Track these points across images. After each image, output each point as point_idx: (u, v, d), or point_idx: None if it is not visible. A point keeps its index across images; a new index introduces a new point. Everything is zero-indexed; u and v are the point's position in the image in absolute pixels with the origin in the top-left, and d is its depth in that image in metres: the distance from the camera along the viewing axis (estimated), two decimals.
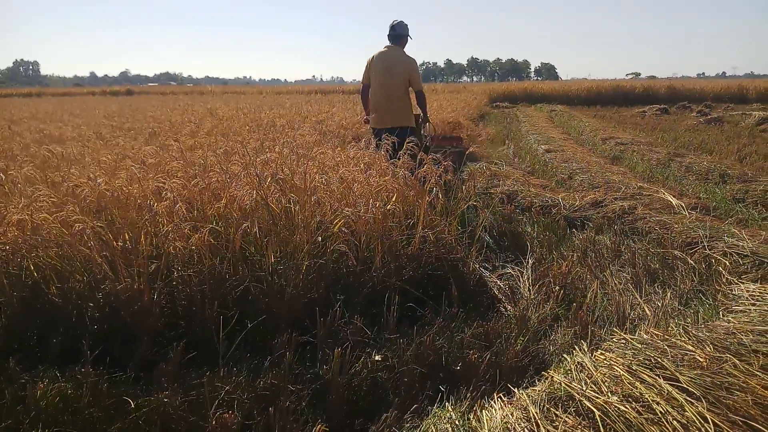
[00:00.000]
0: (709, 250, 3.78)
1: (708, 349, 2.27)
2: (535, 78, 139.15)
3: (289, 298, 2.79)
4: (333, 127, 7.55)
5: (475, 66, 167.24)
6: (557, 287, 3.45)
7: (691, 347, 2.21)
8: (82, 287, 2.69)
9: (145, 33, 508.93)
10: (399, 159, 3.71)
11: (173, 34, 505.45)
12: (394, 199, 3.17)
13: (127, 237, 2.82)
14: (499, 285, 3.66)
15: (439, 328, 2.81)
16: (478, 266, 3.79)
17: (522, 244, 4.36)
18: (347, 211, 2.89)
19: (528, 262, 3.84)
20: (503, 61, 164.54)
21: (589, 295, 3.33)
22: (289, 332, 2.59)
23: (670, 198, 5.12)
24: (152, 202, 2.79)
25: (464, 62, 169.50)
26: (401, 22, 5.34)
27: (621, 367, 2.07)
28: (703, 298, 3.30)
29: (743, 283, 3.25)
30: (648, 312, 3.20)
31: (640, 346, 2.24)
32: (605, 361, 2.14)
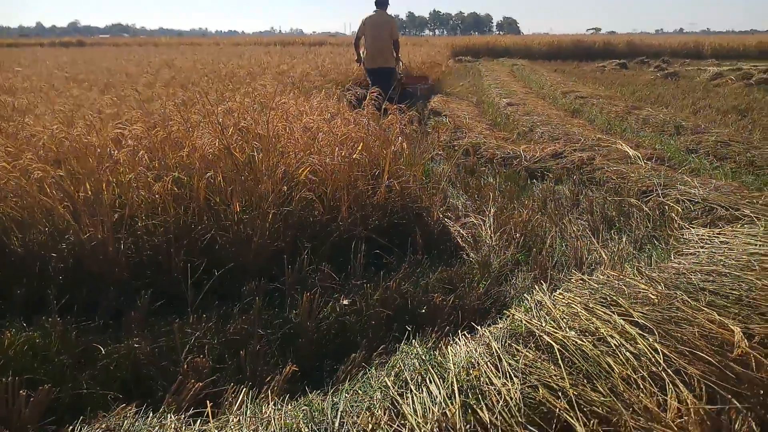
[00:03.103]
0: (663, 197, 3.93)
1: (660, 287, 2.40)
2: (498, 32, 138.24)
3: (256, 247, 2.80)
4: (296, 78, 7.42)
5: (438, 19, 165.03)
6: (518, 234, 3.55)
7: (644, 286, 2.33)
8: (45, 238, 2.65)
9: None
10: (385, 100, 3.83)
11: None
12: (360, 148, 3.17)
13: (88, 187, 2.77)
14: (462, 234, 3.74)
15: (405, 274, 2.88)
16: (441, 215, 3.86)
17: (484, 195, 4.44)
18: (313, 158, 2.88)
19: (490, 211, 3.92)
20: (465, 14, 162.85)
21: (548, 242, 3.44)
22: (257, 280, 2.62)
23: (627, 149, 5.25)
24: (113, 149, 2.74)
25: (426, 15, 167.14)
26: None
27: (579, 305, 2.18)
28: (657, 243, 3.44)
29: (694, 227, 3.41)
30: (605, 256, 3.33)
31: (596, 285, 2.35)
32: (564, 300, 2.24)
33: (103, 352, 2.09)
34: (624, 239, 3.54)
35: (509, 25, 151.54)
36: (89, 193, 2.73)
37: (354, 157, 3.08)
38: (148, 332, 2.29)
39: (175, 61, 11.49)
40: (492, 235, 3.61)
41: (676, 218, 3.55)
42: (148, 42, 38.11)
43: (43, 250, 2.62)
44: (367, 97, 3.94)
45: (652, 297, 2.22)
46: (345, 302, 2.49)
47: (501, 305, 2.83)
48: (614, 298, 2.21)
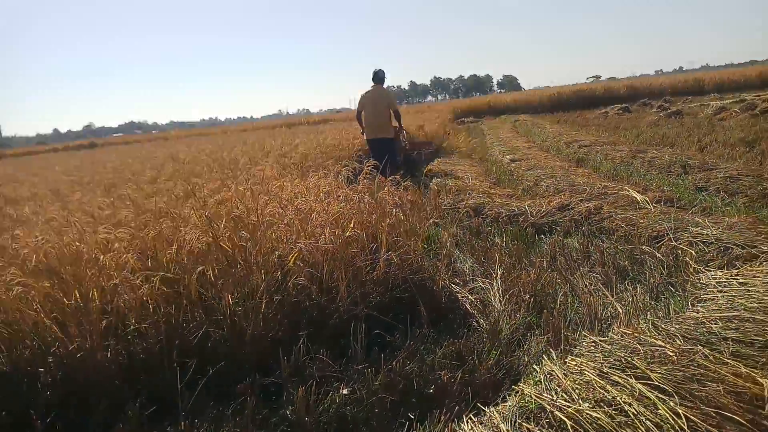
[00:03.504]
0: (675, 241, 3.77)
1: (678, 342, 2.23)
2: (499, 91, 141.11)
3: (251, 340, 2.69)
4: (296, 159, 7.49)
5: (439, 85, 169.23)
6: (527, 296, 3.40)
7: (661, 342, 2.17)
8: (32, 353, 2.57)
9: (106, 84, 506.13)
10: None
11: (135, 82, 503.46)
12: (351, 225, 3.10)
13: (77, 295, 2.70)
14: (471, 299, 3.60)
15: (409, 352, 2.73)
16: (447, 282, 3.73)
17: (491, 256, 4.31)
18: (301, 243, 2.81)
19: (497, 272, 3.79)
20: (465, 77, 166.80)
21: (559, 300, 3.28)
22: (252, 375, 2.49)
23: (634, 194, 5.14)
24: (98, 254, 2.69)
25: (428, 82, 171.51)
26: (381, 69, 8.16)
27: (592, 371, 2.02)
28: (673, 290, 3.28)
29: (710, 270, 3.24)
30: (620, 310, 3.16)
31: (610, 347, 2.19)
32: (575, 367, 2.08)
33: None
34: (639, 289, 3.38)
35: (510, 83, 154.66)
36: (78, 300, 2.67)
37: (347, 234, 3.00)
38: None
39: (180, 154, 11.73)
40: (500, 299, 3.46)
41: (690, 262, 3.38)
42: (158, 137, 39.35)
43: (29, 366, 2.53)
44: (362, 172, 3.91)
45: (671, 354, 2.06)
46: (345, 391, 2.35)
47: (515, 375, 2.66)
48: (629, 359, 2.05)
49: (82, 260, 2.66)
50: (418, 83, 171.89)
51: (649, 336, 2.25)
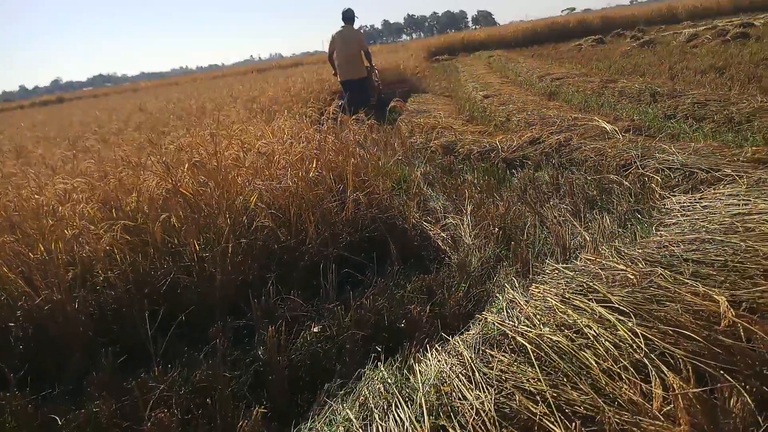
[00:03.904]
0: (642, 168, 3.80)
1: (640, 265, 2.27)
2: (473, 27, 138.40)
3: (221, 284, 2.69)
4: (265, 104, 7.33)
5: (413, 23, 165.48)
6: (496, 228, 3.43)
7: (622, 267, 2.21)
8: (0, 308, 2.54)
9: (73, 37, 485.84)
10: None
11: (103, 33, 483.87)
12: (314, 165, 3.06)
13: (41, 248, 2.66)
14: (443, 236, 3.63)
15: (379, 289, 2.76)
16: (419, 220, 3.75)
17: (462, 193, 4.32)
18: (259, 183, 2.77)
19: (467, 208, 3.80)
20: (440, 14, 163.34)
21: (527, 231, 3.31)
22: (223, 319, 2.50)
23: (604, 124, 5.14)
24: (57, 206, 2.63)
25: (401, 20, 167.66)
26: (350, 9, 8.10)
27: (554, 297, 2.05)
28: (640, 217, 3.32)
29: (675, 195, 3.28)
30: (587, 238, 3.21)
31: (572, 273, 2.23)
32: (538, 294, 2.12)
33: (60, 422, 1.97)
34: (606, 218, 3.42)
35: (484, 18, 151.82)
36: (43, 253, 2.63)
37: (310, 175, 2.97)
38: (110, 393, 2.17)
39: (147, 104, 11.43)
40: (470, 234, 3.49)
41: (656, 188, 3.42)
42: (128, 89, 38.17)
43: None
44: (326, 113, 3.84)
45: (631, 277, 2.10)
46: (316, 329, 2.37)
47: (483, 305, 2.70)
48: (591, 284, 2.09)
49: (42, 213, 2.60)
50: (392, 22, 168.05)
51: (612, 261, 2.28)
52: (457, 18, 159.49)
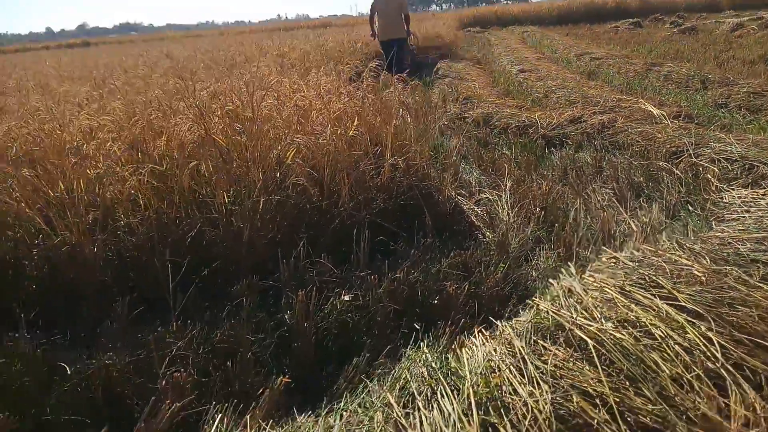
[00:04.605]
0: (696, 158, 3.57)
1: (705, 261, 2.09)
2: (505, 2, 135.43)
3: (248, 241, 2.54)
4: (294, 60, 7.10)
5: None
6: (537, 209, 3.24)
7: (687, 261, 2.02)
8: (15, 245, 2.41)
9: None
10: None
11: None
12: (355, 124, 2.87)
13: (61, 186, 2.52)
14: (477, 212, 3.45)
15: (414, 261, 2.60)
16: (453, 193, 3.56)
17: (499, 168, 4.12)
18: (299, 139, 2.59)
19: (506, 184, 3.60)
20: None
21: (571, 215, 3.12)
22: (249, 277, 2.35)
23: (650, 108, 4.88)
24: (81, 143, 2.48)
25: None
26: None
27: (613, 288, 1.87)
28: (692, 209, 3.12)
29: (734, 189, 3.06)
30: (635, 227, 3.01)
31: (632, 264, 2.04)
32: (595, 284, 1.94)
33: (69, 371, 1.84)
34: (655, 207, 3.21)
35: None
36: (63, 192, 2.49)
37: (350, 134, 2.78)
38: (125, 344, 2.04)
39: (174, 52, 11.19)
40: (509, 212, 3.30)
41: (712, 180, 3.20)
42: (154, 38, 37.71)
43: (14, 257, 2.38)
44: (365, 70, 3.64)
45: (698, 274, 1.91)
46: (346, 298, 2.22)
47: (522, 290, 2.54)
48: (654, 278, 1.91)
49: (65, 149, 2.45)
50: None
51: (673, 254, 2.09)
52: None
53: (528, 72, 8.63)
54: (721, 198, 3.01)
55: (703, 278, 1.89)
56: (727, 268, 1.99)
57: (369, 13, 8.70)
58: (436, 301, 2.35)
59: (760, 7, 23.45)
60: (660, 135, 4.08)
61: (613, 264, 2.10)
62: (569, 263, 2.14)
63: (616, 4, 26.09)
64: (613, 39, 14.68)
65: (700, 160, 3.52)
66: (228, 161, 2.54)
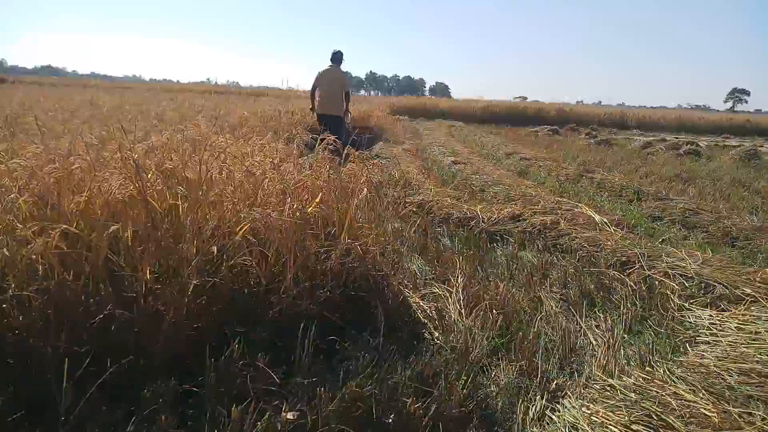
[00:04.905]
0: (649, 269, 3.48)
1: (701, 394, 1.86)
2: (430, 96, 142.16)
3: (169, 329, 2.08)
4: (233, 123, 6.73)
5: (374, 80, 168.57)
6: (494, 311, 2.97)
7: (690, 397, 1.78)
8: None
9: (22, 23, 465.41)
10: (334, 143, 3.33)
11: (56, 26, 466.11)
12: (317, 200, 2.53)
13: None
14: (424, 308, 3.14)
15: (365, 367, 2.22)
16: (397, 285, 3.24)
17: (446, 260, 3.87)
18: (256, 212, 2.20)
19: (457, 281, 3.34)
20: (400, 77, 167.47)
21: (527, 321, 2.88)
22: (165, 378, 1.89)
23: (592, 213, 4.86)
24: None
25: (363, 76, 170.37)
26: (340, 51, 8.55)
27: (618, 427, 1.59)
28: (650, 325, 2.96)
29: (696, 308, 2.94)
30: (593, 341, 2.81)
31: (632, 396, 1.78)
32: (596, 419, 1.65)
33: None
34: (608, 320, 3.04)
35: (442, 90, 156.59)
36: None
37: (308, 210, 2.43)
38: None
39: (99, 101, 10.52)
40: (461, 311, 3.02)
41: (673, 297, 3.08)
42: (76, 83, 35.98)
43: None
44: (322, 141, 3.35)
45: (709, 415, 1.67)
46: (290, 416, 1.79)
47: (485, 408, 2.22)
48: (662, 416, 1.64)
49: None
50: (354, 75, 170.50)
51: (673, 387, 1.85)
52: (416, 85, 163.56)
53: (461, 164, 8.70)
54: (684, 317, 2.87)
55: (715, 419, 1.64)
56: (730, 406, 1.77)
57: (311, 87, 8.71)
58: (390, 420, 1.97)
59: (662, 129, 25.96)
60: (609, 242, 4.00)
61: (609, 393, 1.83)
62: (570, 394, 1.85)
63: (537, 111, 27.87)
64: (535, 142, 15.38)
65: (654, 273, 3.42)
66: (158, 228, 2.11)
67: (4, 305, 2.00)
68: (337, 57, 8.56)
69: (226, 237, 2.26)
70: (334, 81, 8.41)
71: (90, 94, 15.88)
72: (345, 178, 2.88)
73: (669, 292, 3.12)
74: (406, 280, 3.50)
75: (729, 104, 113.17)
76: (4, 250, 1.86)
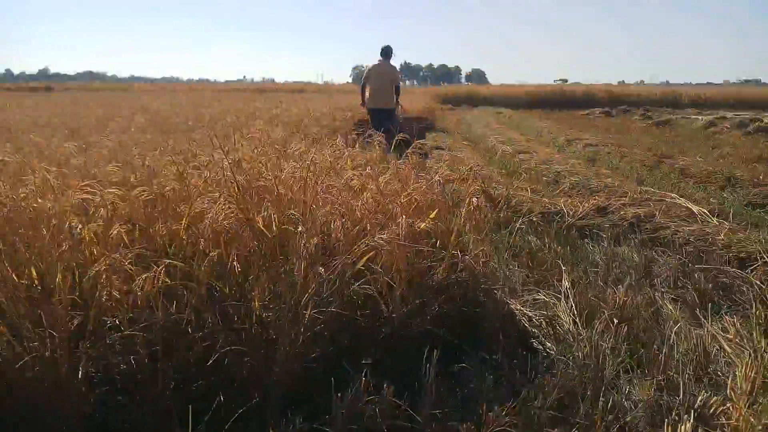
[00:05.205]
0: None
1: None
2: (466, 83, 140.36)
3: (284, 359, 1.90)
4: (293, 124, 6.58)
5: (408, 71, 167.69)
6: (615, 320, 2.70)
7: None
8: None
9: (65, 29, 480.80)
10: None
11: (96, 31, 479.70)
12: (433, 214, 2.31)
13: (34, 274, 1.86)
14: (529, 315, 2.90)
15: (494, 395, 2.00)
16: (501, 293, 3.01)
17: (540, 260, 3.62)
18: (381, 239, 1.98)
19: (564, 284, 3.08)
20: (435, 66, 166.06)
21: (671, 335, 2.60)
22: (284, 414, 1.71)
23: (689, 204, 4.51)
24: (73, 221, 1.83)
25: (398, 67, 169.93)
26: (389, 46, 8.62)
27: None
28: None
29: None
30: (727, 349, 2.52)
31: None
32: None
33: None
34: (736, 323, 2.72)
35: (478, 76, 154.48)
36: (35, 282, 1.83)
37: (422, 226, 2.22)
38: None
39: (149, 106, 10.58)
40: (576, 321, 2.77)
41: None
42: (118, 88, 36.91)
43: None
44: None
45: None
46: None
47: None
48: None
49: (49, 226, 1.80)
50: None
51: None
52: (451, 72, 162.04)
53: (525, 153, 8.36)
54: None
55: None
56: None
57: (361, 82, 8.86)
58: None
59: (717, 107, 24.67)
60: (720, 237, 3.66)
61: None
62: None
63: (585, 94, 27.01)
64: (591, 125, 14.86)
65: None
66: (267, 255, 1.93)
67: (108, 343, 1.84)
68: (386, 52, 8.68)
69: (331, 257, 2.06)
70: (385, 75, 8.59)
71: (135, 99, 16.07)
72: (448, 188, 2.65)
73: None
74: (506, 287, 3.27)
75: None
76: (111, 288, 1.70)
